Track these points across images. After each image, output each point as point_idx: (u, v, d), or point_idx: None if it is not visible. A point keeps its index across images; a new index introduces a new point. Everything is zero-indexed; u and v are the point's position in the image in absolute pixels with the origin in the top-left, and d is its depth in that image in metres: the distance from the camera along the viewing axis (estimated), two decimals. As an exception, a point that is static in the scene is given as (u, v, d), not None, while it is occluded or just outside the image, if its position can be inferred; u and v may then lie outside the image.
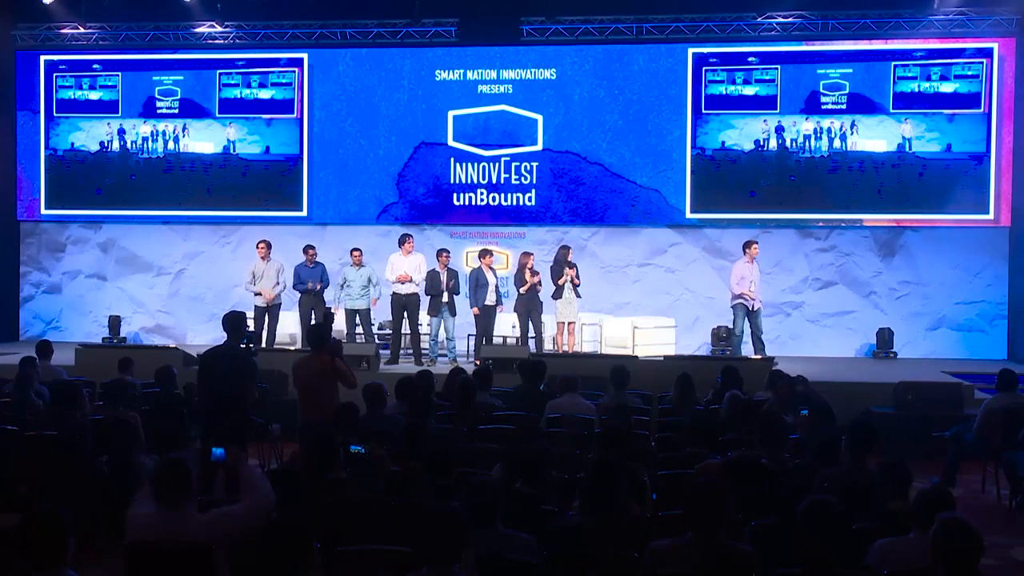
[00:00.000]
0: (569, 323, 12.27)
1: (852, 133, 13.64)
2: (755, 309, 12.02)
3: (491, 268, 12.27)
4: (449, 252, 12.37)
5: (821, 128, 13.71)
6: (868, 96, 13.62)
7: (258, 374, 7.42)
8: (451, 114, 14.36)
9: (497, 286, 12.31)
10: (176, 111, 14.85)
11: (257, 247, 12.58)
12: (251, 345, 7.41)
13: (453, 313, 12.13)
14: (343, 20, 14.49)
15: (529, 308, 12.06)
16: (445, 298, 12.00)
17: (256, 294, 12.31)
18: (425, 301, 12.24)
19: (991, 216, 13.44)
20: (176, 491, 4.07)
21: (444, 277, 12.03)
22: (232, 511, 4.21)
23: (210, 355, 7.24)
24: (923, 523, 4.11)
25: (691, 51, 13.98)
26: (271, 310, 12.36)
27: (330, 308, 12.20)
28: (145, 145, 14.93)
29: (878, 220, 13.72)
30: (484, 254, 12.32)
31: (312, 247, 12.54)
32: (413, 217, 14.45)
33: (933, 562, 3.63)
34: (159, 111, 14.89)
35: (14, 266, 15.29)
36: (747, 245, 12.21)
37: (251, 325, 10.37)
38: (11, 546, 3.66)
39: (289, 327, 13.14)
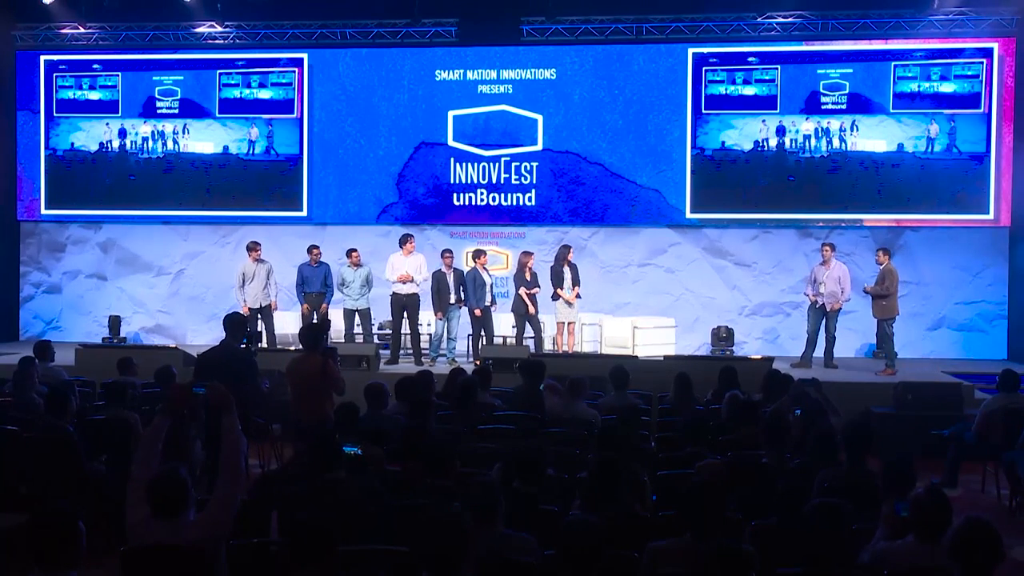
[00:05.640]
0: (569, 323, 12.28)
1: (852, 133, 13.64)
2: (830, 310, 11.95)
3: (485, 268, 12.28)
4: (452, 252, 12.36)
5: (821, 128, 13.71)
6: (868, 96, 13.61)
7: (258, 372, 7.42)
8: (451, 114, 14.35)
9: (492, 286, 12.31)
10: (176, 111, 14.84)
11: (250, 250, 12.44)
12: (251, 345, 7.41)
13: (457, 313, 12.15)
14: (343, 20, 14.48)
15: (528, 308, 12.05)
16: (452, 299, 11.99)
17: (244, 303, 12.24)
18: (425, 301, 12.23)
19: (991, 216, 13.44)
20: (172, 505, 4.03)
21: (451, 278, 12.03)
22: (210, 511, 4.16)
23: (206, 355, 7.24)
24: (918, 528, 4.09)
25: (691, 51, 13.98)
26: (263, 311, 12.35)
27: (329, 319, 12.14)
28: (145, 145, 14.92)
29: (878, 220, 13.72)
30: (478, 254, 12.32)
31: (316, 247, 12.56)
32: (413, 217, 14.45)
33: (950, 561, 3.60)
34: (159, 111, 14.88)
35: (14, 266, 15.29)
36: (822, 248, 12.29)
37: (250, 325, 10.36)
38: (12, 546, 3.64)
39: (291, 327, 13.12)
